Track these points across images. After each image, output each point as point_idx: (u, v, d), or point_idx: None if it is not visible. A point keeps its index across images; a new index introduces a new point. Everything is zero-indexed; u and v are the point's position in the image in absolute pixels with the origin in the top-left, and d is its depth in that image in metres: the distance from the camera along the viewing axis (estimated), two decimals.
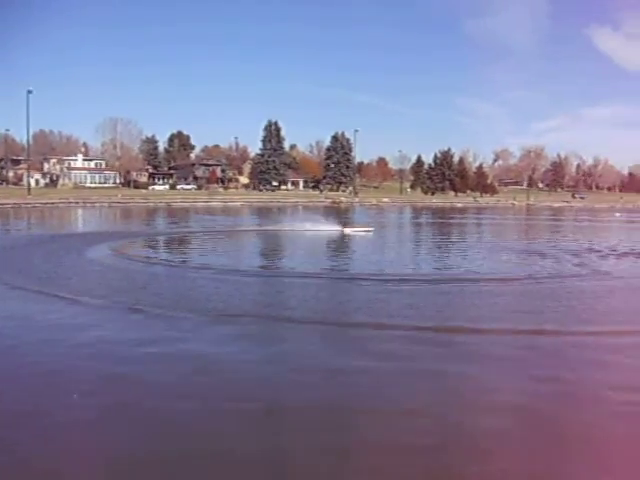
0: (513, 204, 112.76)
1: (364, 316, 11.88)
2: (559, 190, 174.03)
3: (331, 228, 36.87)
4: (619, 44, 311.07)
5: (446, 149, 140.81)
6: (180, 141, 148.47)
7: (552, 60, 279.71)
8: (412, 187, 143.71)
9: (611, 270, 20.47)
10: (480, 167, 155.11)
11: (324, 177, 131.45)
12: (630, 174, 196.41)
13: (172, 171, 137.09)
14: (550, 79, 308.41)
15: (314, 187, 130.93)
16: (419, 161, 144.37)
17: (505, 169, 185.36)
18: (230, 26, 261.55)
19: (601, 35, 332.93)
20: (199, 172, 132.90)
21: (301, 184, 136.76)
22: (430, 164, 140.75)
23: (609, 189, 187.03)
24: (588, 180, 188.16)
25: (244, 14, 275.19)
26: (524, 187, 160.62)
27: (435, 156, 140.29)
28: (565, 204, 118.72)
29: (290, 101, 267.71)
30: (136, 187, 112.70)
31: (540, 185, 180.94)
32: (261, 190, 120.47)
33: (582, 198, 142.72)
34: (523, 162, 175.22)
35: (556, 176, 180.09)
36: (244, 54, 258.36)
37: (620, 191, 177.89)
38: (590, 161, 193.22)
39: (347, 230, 37.28)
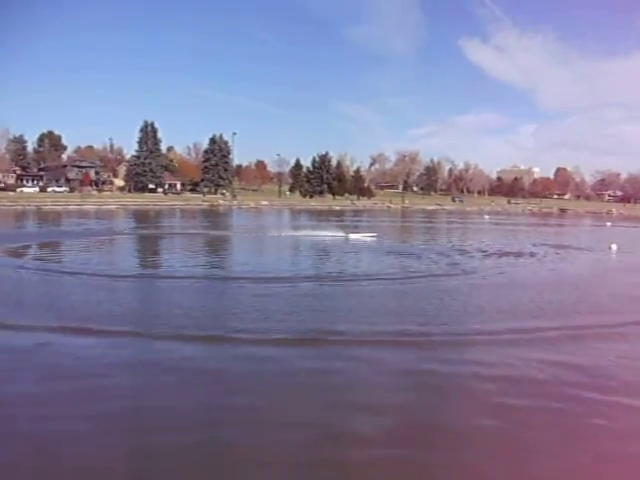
0: (389, 207, 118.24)
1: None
2: (432, 193, 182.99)
3: (336, 234, 40.71)
4: (488, 55, 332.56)
5: (324, 153, 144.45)
6: (51, 141, 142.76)
7: (427, 68, 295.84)
8: (291, 190, 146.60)
9: (477, 269, 24.31)
10: (357, 171, 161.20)
11: (202, 180, 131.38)
12: (498, 178, 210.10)
13: (42, 172, 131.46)
14: (425, 87, 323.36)
15: (192, 190, 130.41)
16: (298, 164, 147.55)
17: (381, 173, 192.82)
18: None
19: (472, 46, 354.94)
20: (72, 174, 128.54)
21: (179, 187, 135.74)
22: (309, 167, 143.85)
23: (479, 193, 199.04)
24: (460, 184, 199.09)
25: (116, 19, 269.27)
26: (399, 190, 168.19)
27: (314, 160, 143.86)
28: (438, 207, 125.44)
29: (168, 103, 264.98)
30: (2, 189, 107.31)
31: (415, 188, 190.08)
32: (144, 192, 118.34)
33: (461, 201, 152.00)
34: (398, 166, 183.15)
35: (430, 180, 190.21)
36: (119, 57, 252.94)
37: (489, 195, 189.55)
38: (461, 166, 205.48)
39: (352, 236, 40.74)
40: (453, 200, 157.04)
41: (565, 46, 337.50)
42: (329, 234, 40.10)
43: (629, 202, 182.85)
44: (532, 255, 32.07)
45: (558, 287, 20.35)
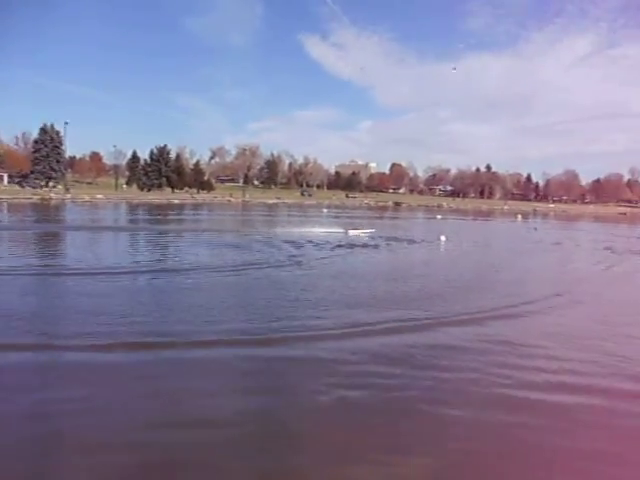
0: (229, 201, 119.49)
1: None
2: (273, 187, 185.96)
3: (336, 230, 43.41)
4: (328, 52, 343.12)
5: (162, 145, 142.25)
6: None
7: (267, 63, 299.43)
8: (128, 183, 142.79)
9: (309, 260, 26.18)
10: (197, 164, 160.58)
11: (32, 172, 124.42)
12: (337, 173, 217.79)
13: None
14: (265, 81, 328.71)
15: (20, 182, 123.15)
16: (135, 157, 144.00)
17: (222, 166, 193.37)
18: None
19: (312, 43, 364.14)
20: None
21: (6, 179, 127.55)
22: (146, 160, 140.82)
23: (318, 187, 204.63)
24: (300, 178, 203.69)
25: None
26: (240, 184, 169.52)
27: (151, 152, 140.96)
28: (278, 200, 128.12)
29: None
30: None
31: (256, 182, 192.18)
32: None
33: (309, 195, 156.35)
34: (239, 160, 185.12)
35: (270, 174, 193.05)
36: None
37: (328, 189, 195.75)
38: (301, 160, 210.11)
39: (351, 232, 42.87)
40: (302, 194, 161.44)
41: (401, 46, 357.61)
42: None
43: (458, 196, 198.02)
44: (365, 246, 34.44)
45: (388, 277, 22.16)
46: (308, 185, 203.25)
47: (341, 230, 43.97)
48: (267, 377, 10.24)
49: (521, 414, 8.80)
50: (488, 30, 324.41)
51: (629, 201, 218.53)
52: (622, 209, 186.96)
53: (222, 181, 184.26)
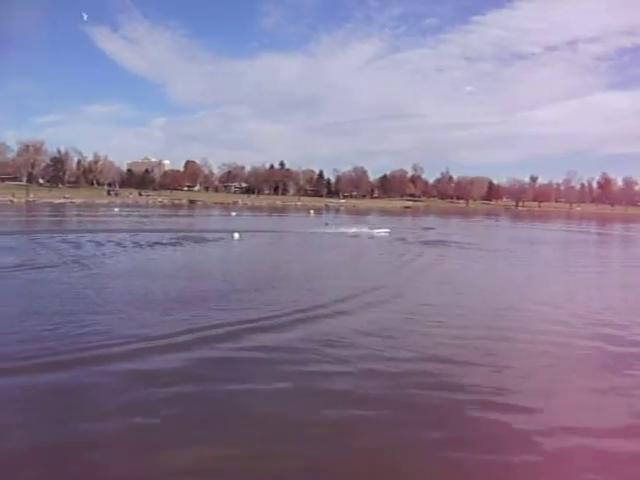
0: (12, 201, 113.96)
1: None
2: (61, 186, 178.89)
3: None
4: (119, 45, 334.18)
5: None
6: None
7: (51, 53, 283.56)
8: None
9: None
10: None
11: None
12: (129, 170, 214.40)
13: None
14: (50, 73, 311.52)
15: None
16: None
17: (2, 164, 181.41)
18: None
19: (101, 34, 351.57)
20: None
21: None
22: None
23: (110, 184, 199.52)
24: (89, 176, 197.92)
25: None
26: (24, 183, 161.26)
27: None
28: (66, 200, 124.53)
29: None
30: None
31: (41, 181, 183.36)
32: None
33: (116, 194, 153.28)
34: (22, 157, 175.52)
35: (57, 172, 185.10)
36: None
37: (120, 187, 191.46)
38: (91, 157, 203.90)
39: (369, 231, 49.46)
40: (109, 194, 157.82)
41: (194, 43, 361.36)
42: None
43: (253, 193, 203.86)
44: (153, 246, 35.41)
45: (178, 276, 23.06)
46: (99, 183, 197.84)
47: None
48: None
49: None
50: (281, 30, 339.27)
51: (412, 195, 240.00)
52: (407, 203, 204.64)
53: (2, 179, 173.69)
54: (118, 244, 35.30)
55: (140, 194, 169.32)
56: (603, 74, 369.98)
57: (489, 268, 31.91)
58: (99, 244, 34.75)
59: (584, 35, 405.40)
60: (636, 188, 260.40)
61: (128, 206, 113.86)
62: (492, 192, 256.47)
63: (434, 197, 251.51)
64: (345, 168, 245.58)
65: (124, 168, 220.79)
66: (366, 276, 25.98)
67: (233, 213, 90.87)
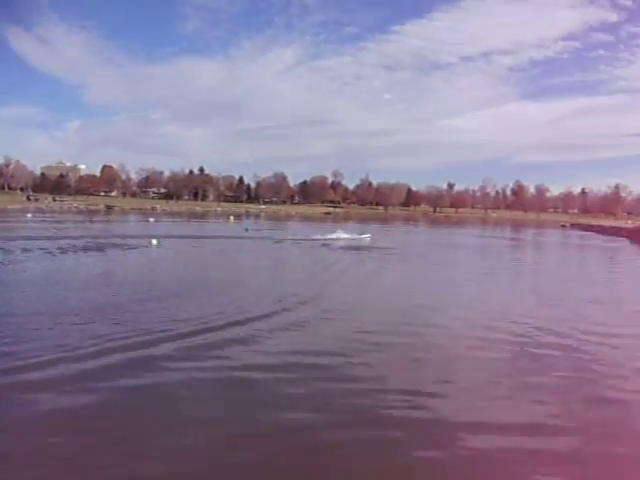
0: None
1: None
2: None
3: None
4: (33, 46, 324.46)
5: None
6: None
7: None
8: None
9: None
10: None
11: None
12: (42, 174, 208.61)
13: None
14: None
15: None
16: None
17: None
18: None
19: (14, 34, 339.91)
20: None
21: None
22: None
23: (22, 189, 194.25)
24: (0, 180, 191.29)
25: None
26: None
27: None
28: None
29: None
30: None
31: None
32: None
33: (36, 199, 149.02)
34: None
35: None
36: None
37: (34, 191, 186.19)
38: (1, 160, 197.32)
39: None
40: (28, 199, 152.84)
41: (111, 45, 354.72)
42: None
43: (172, 199, 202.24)
44: (65, 251, 35.13)
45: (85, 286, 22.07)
46: (10, 188, 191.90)
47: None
48: None
49: None
50: (201, 34, 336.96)
51: (333, 201, 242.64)
52: (327, 209, 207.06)
53: None
54: (28, 251, 34.35)
55: (54, 199, 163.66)
56: (516, 85, 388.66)
57: (403, 271, 33.90)
58: (7, 251, 33.68)
59: (498, 47, 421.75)
60: (547, 195, 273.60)
61: (42, 212, 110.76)
62: (411, 198, 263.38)
63: (354, 203, 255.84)
64: (265, 174, 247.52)
65: (38, 172, 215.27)
66: (283, 281, 27.22)
67: (151, 219, 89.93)
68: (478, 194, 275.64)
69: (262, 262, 35.71)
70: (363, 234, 60.10)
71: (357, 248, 46.98)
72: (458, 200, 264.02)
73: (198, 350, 13.44)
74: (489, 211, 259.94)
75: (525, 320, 18.55)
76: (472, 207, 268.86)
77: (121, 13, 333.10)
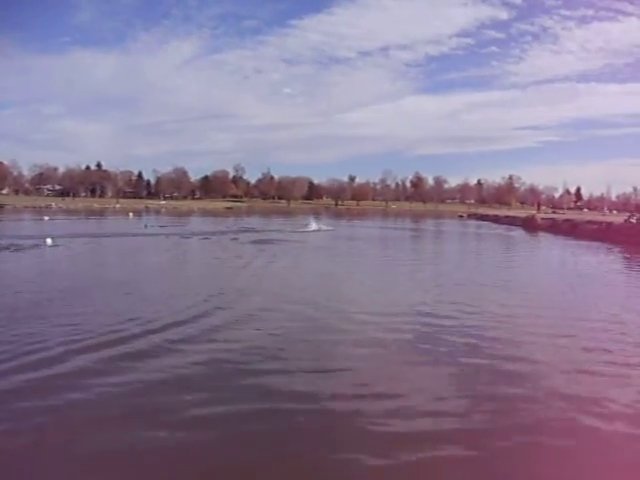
0: None
1: None
2: None
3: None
4: None
5: None
6: None
7: None
8: None
9: None
10: None
11: None
12: None
13: None
14: None
15: None
16: None
17: None
18: None
19: None
20: None
21: None
22: None
23: None
24: None
25: None
26: None
27: None
28: None
29: None
30: None
31: None
32: None
33: None
34: None
35: None
36: None
37: None
38: None
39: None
40: None
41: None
42: None
43: (68, 196, 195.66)
44: None
45: None
46: None
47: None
48: None
49: None
50: (95, 26, 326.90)
51: (234, 196, 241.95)
52: (228, 204, 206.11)
53: None
54: None
55: None
56: (413, 79, 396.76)
57: (306, 263, 34.74)
58: None
59: (395, 42, 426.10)
60: (446, 186, 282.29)
61: None
62: (313, 192, 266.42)
63: (256, 197, 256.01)
64: (165, 169, 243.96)
65: None
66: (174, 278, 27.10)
67: (46, 217, 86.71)
68: (379, 187, 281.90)
69: (158, 258, 35.58)
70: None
71: (263, 242, 47.16)
72: (359, 193, 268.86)
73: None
74: (389, 203, 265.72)
75: (422, 307, 19.19)
76: (373, 199, 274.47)
77: (10, 2, 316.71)
